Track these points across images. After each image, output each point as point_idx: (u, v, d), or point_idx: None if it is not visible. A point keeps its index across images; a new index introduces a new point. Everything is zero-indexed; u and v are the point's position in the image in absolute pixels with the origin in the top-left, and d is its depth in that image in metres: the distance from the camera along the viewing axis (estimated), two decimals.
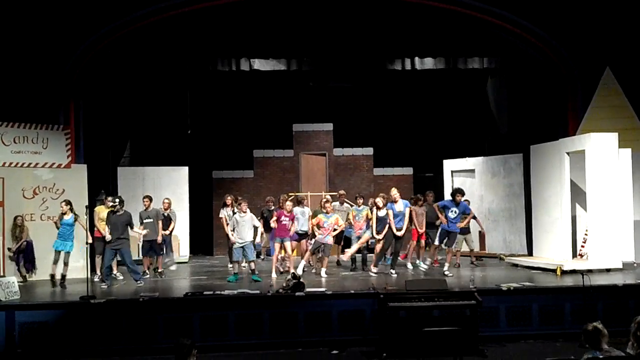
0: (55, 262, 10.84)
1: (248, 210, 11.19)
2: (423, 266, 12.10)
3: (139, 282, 10.58)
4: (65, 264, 10.81)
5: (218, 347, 8.52)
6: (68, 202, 11.01)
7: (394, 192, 11.48)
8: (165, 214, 12.24)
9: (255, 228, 11.22)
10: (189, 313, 8.80)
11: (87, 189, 12.18)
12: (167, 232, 12.16)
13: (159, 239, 11.73)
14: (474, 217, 13.14)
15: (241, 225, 11.03)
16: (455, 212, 11.47)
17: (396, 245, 11.45)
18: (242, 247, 11.03)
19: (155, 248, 11.80)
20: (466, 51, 14.62)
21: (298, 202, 12.41)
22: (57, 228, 10.93)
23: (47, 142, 11.99)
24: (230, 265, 11.98)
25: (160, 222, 11.79)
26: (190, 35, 13.61)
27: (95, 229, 11.49)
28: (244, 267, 11.93)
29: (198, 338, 8.23)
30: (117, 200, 10.85)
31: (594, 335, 5.08)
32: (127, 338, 8.67)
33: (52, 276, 10.82)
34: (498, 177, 14.79)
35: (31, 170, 11.85)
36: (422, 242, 12.43)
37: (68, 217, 10.87)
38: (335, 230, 11.49)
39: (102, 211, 11.57)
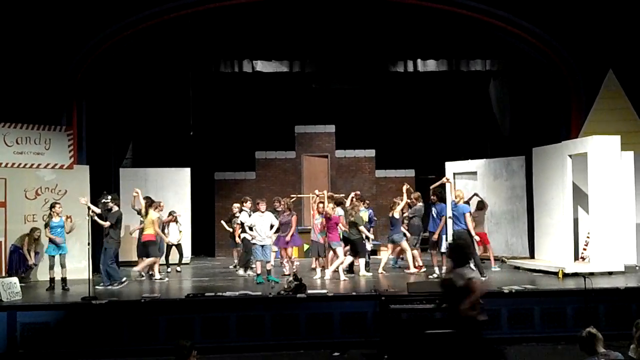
0: (52, 267, 10.70)
1: (266, 210, 11.22)
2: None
3: (101, 285, 10.48)
4: (63, 266, 10.71)
5: (219, 349, 8.50)
6: (54, 205, 10.95)
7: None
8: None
9: (272, 227, 11.24)
10: (191, 314, 8.79)
11: (89, 190, 12.18)
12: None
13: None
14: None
15: (260, 224, 11.07)
16: (434, 214, 11.68)
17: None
18: (262, 246, 11.05)
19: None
20: (469, 53, 14.63)
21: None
22: (47, 229, 10.76)
23: (49, 143, 11.98)
24: (242, 272, 11.93)
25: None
26: (192, 37, 13.63)
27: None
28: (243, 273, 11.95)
29: (199, 339, 8.24)
30: (109, 197, 10.85)
31: (588, 340, 5.04)
32: (129, 339, 8.66)
33: (52, 280, 10.67)
34: (500, 179, 14.77)
35: (33, 171, 11.86)
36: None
37: (57, 220, 10.79)
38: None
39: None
